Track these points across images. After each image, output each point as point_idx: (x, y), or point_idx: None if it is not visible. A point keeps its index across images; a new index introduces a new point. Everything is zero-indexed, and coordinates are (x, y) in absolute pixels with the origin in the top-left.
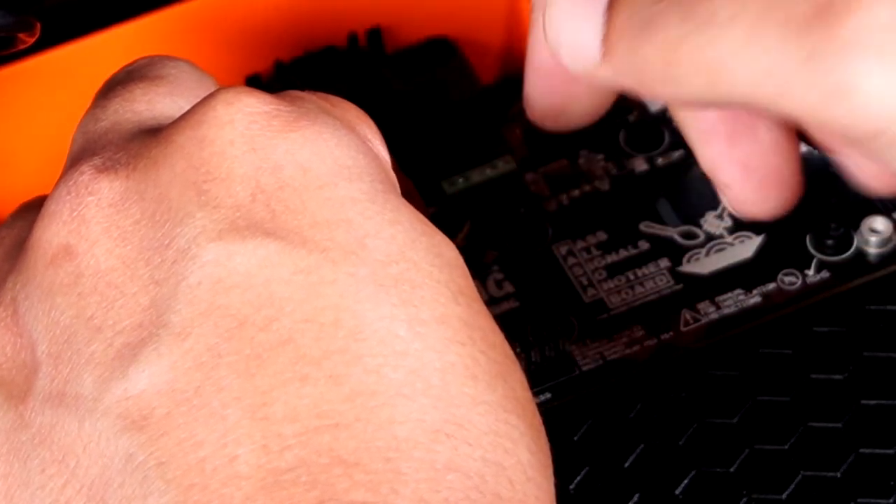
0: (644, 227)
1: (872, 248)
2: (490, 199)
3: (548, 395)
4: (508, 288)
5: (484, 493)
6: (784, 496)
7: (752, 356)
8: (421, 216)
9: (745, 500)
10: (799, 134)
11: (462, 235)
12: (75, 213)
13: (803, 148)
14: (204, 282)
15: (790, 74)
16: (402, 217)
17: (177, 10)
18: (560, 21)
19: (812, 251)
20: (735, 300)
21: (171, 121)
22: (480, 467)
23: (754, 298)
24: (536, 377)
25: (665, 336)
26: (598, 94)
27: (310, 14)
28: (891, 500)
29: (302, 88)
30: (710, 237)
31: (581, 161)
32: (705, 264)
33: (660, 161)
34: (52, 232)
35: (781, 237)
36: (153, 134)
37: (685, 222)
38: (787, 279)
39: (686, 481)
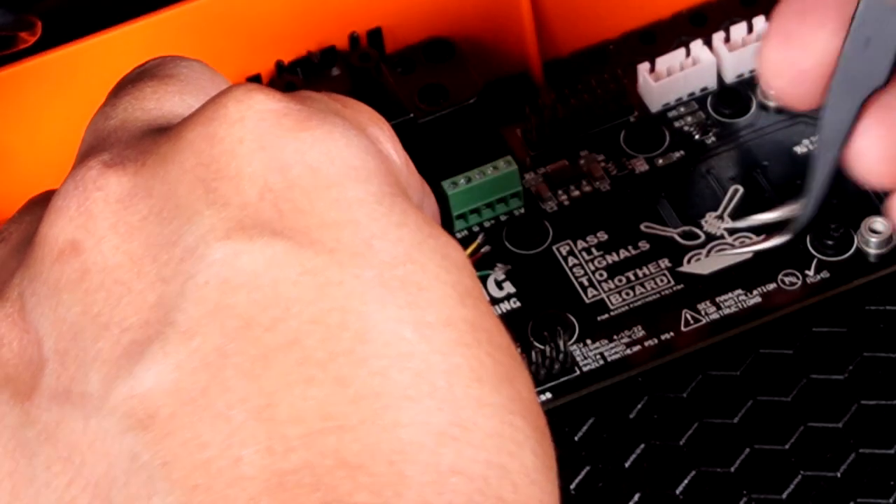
0: (644, 227)
1: (872, 248)
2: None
3: (548, 395)
4: (509, 288)
5: (487, 495)
6: (784, 496)
7: (752, 356)
8: (428, 218)
9: (744, 499)
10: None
11: (472, 248)
12: (82, 209)
13: (804, 148)
14: (211, 281)
15: None
16: (409, 219)
17: (177, 10)
18: None
19: (812, 251)
20: (735, 300)
21: (180, 119)
22: (484, 470)
23: (754, 298)
24: (537, 377)
25: (665, 336)
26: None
27: (310, 14)
28: (890, 500)
29: (303, 89)
30: (711, 237)
31: (581, 161)
32: (705, 264)
33: (660, 161)
34: (59, 227)
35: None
36: (163, 131)
37: (685, 222)
38: (787, 279)
39: (686, 481)
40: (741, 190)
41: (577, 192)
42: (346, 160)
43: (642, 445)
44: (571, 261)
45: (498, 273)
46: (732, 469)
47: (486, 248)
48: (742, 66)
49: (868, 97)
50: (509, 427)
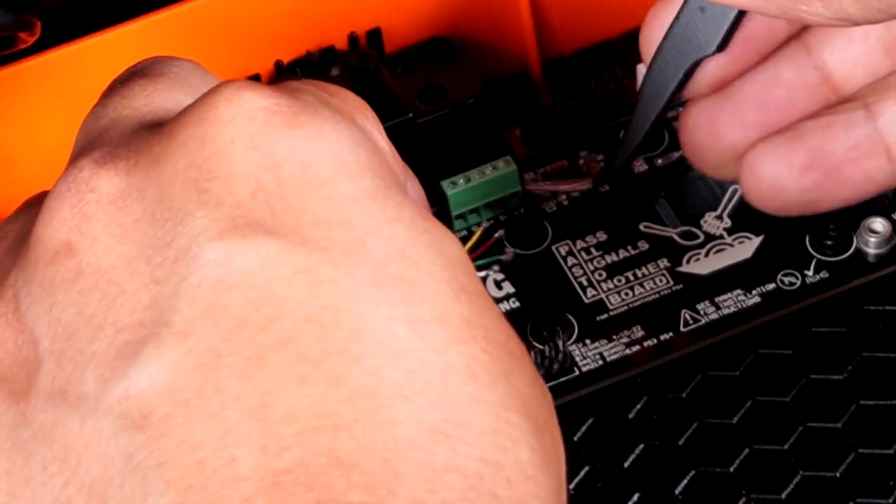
0: (644, 227)
1: (871, 248)
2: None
3: None
4: (508, 288)
5: (481, 492)
6: (783, 496)
7: (752, 356)
8: (423, 212)
9: (744, 499)
10: None
11: (471, 244)
12: (75, 210)
13: None
14: (205, 281)
15: None
16: (404, 214)
17: (177, 10)
18: None
19: (811, 251)
20: (734, 300)
21: (170, 115)
22: (478, 467)
23: (754, 299)
24: None
25: (665, 336)
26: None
27: (310, 14)
28: (890, 500)
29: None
30: (710, 237)
31: (581, 161)
32: (705, 265)
33: (660, 161)
34: (53, 229)
35: (781, 237)
36: (153, 130)
37: (685, 223)
38: (787, 279)
39: (685, 481)
40: (740, 190)
41: (576, 192)
42: (337, 156)
43: (641, 445)
44: (571, 261)
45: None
46: (731, 469)
47: (499, 233)
48: None
49: (696, 62)
50: (505, 424)
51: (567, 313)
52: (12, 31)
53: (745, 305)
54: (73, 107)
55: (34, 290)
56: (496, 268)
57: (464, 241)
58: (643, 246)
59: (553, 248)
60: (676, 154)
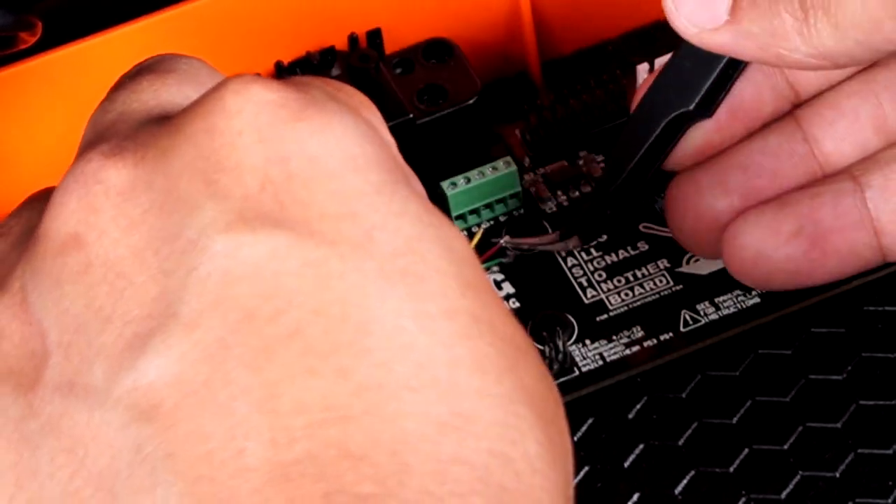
0: (643, 227)
1: None
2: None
3: None
4: (508, 288)
5: (489, 484)
6: (783, 496)
7: (751, 356)
8: (430, 207)
9: (743, 499)
10: None
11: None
12: (83, 202)
13: None
14: (213, 273)
15: None
16: (410, 209)
17: (177, 11)
18: None
19: None
20: (734, 301)
21: (178, 109)
22: (486, 459)
23: (753, 299)
24: None
25: (664, 336)
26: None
27: (310, 14)
28: (889, 500)
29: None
30: None
31: (580, 161)
32: (704, 265)
33: None
34: (61, 221)
35: None
36: (161, 123)
37: None
38: None
39: (685, 481)
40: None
41: (576, 193)
42: (344, 149)
43: (641, 445)
44: (570, 261)
45: (501, 267)
46: (731, 469)
47: (505, 238)
48: None
49: (676, 116)
50: (512, 417)
51: (567, 314)
52: (13, 32)
53: (744, 306)
54: (74, 107)
55: (42, 282)
56: (496, 268)
57: None
58: (643, 246)
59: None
60: None
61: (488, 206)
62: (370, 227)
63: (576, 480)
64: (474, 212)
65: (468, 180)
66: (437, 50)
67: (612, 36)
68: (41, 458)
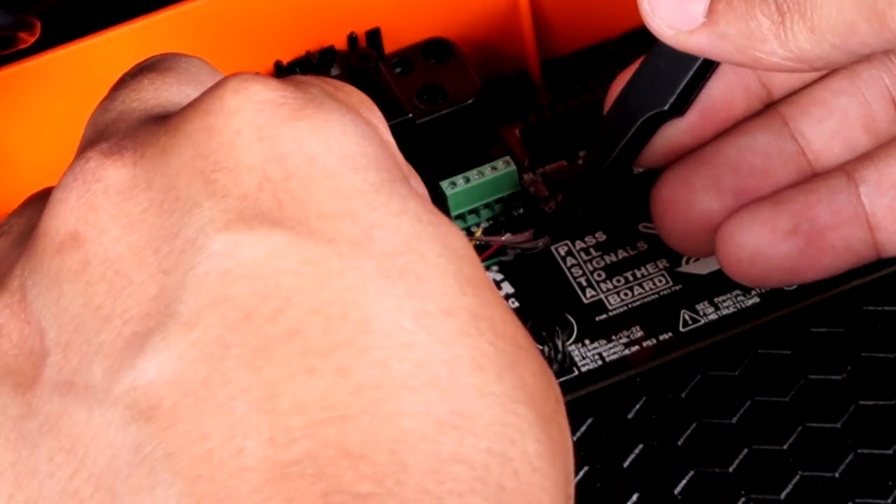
0: (643, 227)
1: None
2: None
3: None
4: (507, 288)
5: (488, 483)
6: (782, 496)
7: (751, 356)
8: (429, 206)
9: (743, 499)
10: None
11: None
12: (83, 200)
13: None
14: (211, 272)
15: None
16: (409, 207)
17: (177, 10)
18: None
19: None
20: (733, 301)
21: (178, 108)
22: (485, 458)
23: (752, 299)
24: None
25: (664, 336)
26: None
27: (309, 14)
28: (889, 500)
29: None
30: None
31: (580, 161)
32: (704, 265)
33: None
34: (60, 219)
35: None
36: (160, 121)
37: None
38: None
39: (685, 481)
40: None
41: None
42: (343, 148)
43: (641, 446)
44: (570, 261)
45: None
46: (731, 469)
47: (507, 236)
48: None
49: (650, 116)
50: (512, 416)
51: (566, 313)
52: (12, 31)
53: (744, 306)
54: (74, 107)
55: (40, 280)
56: (495, 268)
57: None
58: (642, 246)
59: (552, 248)
60: None
61: (488, 205)
62: (369, 225)
63: (575, 480)
64: (474, 211)
65: (468, 180)
66: (436, 49)
67: (612, 36)
68: (40, 457)
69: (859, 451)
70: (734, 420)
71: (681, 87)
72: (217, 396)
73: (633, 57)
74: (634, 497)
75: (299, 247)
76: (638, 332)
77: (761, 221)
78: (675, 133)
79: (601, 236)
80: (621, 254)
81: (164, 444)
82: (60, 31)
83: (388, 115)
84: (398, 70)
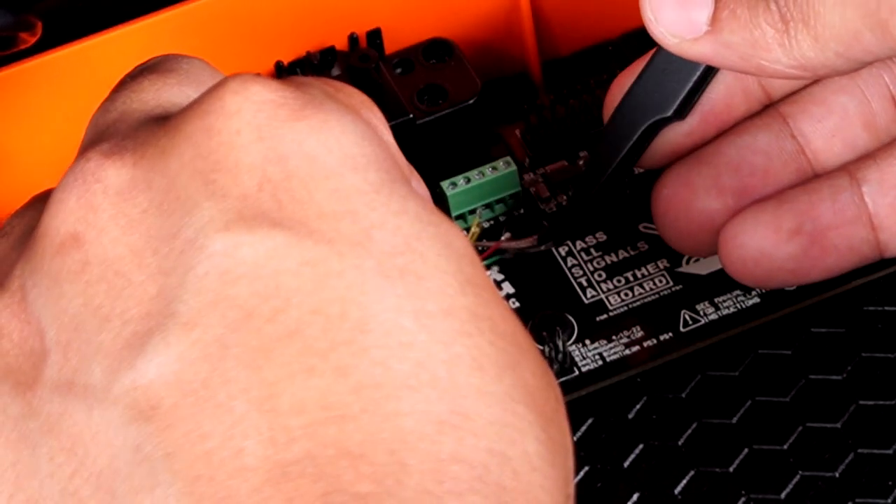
0: (643, 227)
1: None
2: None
3: None
4: (508, 288)
5: (487, 483)
6: (782, 496)
7: (751, 356)
8: (429, 206)
9: (743, 499)
10: None
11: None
12: (83, 201)
13: None
14: (211, 272)
15: None
16: (409, 207)
17: (177, 11)
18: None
19: None
20: (734, 301)
21: (179, 109)
22: (485, 458)
23: (753, 299)
24: None
25: (664, 336)
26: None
27: (310, 14)
28: (889, 500)
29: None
30: None
31: (580, 161)
32: (704, 265)
33: None
34: (60, 220)
35: None
36: (161, 122)
37: None
38: None
39: (685, 481)
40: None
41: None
42: (343, 148)
43: (641, 445)
44: (570, 261)
45: (501, 267)
46: (731, 469)
47: (506, 236)
48: None
49: (653, 123)
50: (511, 415)
51: (567, 313)
52: (13, 32)
53: (744, 306)
54: (74, 107)
55: (40, 281)
56: (496, 268)
57: None
58: (643, 246)
59: (553, 248)
60: None
61: (488, 206)
62: (369, 225)
63: (575, 480)
64: (474, 212)
65: (468, 180)
66: (437, 50)
67: (612, 36)
68: (40, 457)
69: (859, 451)
70: (734, 420)
71: (683, 93)
72: (217, 396)
73: (633, 57)
74: (635, 497)
75: (299, 247)
76: (638, 332)
77: (764, 222)
78: (675, 135)
79: (602, 236)
80: (622, 254)
81: (164, 444)
82: (61, 32)
83: (389, 115)
84: (399, 70)
